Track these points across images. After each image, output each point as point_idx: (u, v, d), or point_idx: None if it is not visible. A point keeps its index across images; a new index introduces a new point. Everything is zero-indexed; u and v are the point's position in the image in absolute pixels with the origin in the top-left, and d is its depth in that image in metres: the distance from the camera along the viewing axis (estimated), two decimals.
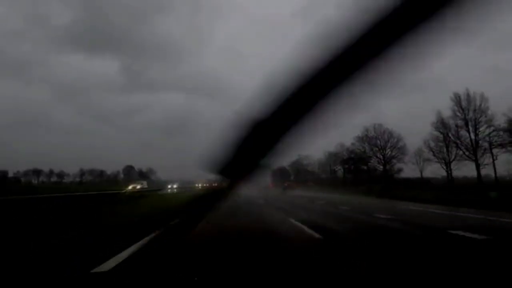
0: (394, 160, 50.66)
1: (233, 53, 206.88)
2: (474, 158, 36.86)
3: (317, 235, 6.58)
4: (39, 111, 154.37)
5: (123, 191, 24.58)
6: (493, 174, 37.18)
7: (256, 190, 37.77)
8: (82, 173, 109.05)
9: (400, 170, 54.63)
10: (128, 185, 35.68)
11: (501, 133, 35.13)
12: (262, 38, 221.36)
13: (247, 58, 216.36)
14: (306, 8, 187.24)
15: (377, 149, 51.58)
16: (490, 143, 35.72)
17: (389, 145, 50.81)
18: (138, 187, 35.13)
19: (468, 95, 37.40)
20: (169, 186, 41.54)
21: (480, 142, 36.68)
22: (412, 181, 45.50)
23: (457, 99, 37.96)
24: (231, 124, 1.00)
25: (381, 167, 51.93)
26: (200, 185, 65.72)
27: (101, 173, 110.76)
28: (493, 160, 35.32)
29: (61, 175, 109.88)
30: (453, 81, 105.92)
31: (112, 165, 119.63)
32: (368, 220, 9.85)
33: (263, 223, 9.13)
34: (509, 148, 34.46)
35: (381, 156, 51.49)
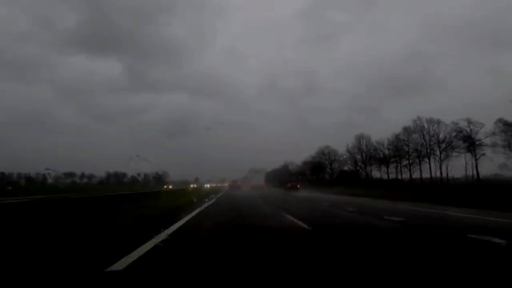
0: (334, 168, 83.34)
1: (235, 53, 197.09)
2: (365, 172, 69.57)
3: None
4: (39, 111, 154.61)
5: (189, 188, 58.88)
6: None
7: (252, 188, 62.56)
8: (108, 175, 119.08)
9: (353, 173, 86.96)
10: (191, 184, 71.94)
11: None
12: (263, 38, 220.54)
13: (248, 58, 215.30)
14: (307, 9, 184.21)
15: (326, 162, 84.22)
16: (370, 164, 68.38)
17: (334, 160, 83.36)
18: (195, 186, 70.47)
19: (362, 137, 70.01)
20: (205, 185, 76.51)
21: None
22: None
23: (357, 139, 70.64)
24: None
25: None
26: (214, 184, 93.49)
27: (123, 175, 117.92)
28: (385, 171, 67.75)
29: (90, 177, 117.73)
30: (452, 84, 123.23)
31: (117, 166, 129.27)
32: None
33: None
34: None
35: (329, 166, 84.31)
